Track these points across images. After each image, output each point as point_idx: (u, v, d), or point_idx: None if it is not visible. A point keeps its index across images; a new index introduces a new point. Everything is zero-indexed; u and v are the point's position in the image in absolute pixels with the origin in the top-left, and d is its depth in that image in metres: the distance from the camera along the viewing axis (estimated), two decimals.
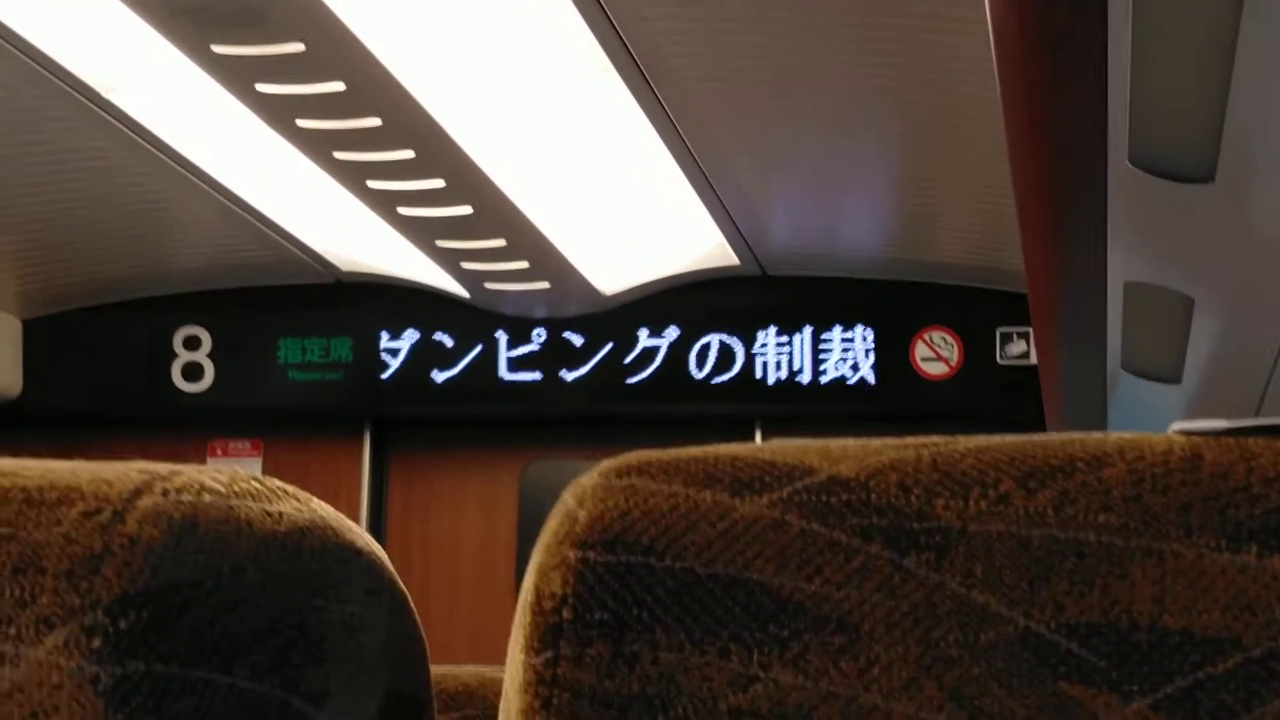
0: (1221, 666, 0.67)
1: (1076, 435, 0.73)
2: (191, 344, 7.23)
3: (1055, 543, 0.69)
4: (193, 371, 7.23)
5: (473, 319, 7.07)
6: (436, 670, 1.73)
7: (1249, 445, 0.71)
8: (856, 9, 4.28)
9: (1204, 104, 2.20)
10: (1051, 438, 0.74)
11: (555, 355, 7.08)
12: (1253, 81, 2.09)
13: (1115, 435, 0.73)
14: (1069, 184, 2.69)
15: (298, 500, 0.77)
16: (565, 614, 0.71)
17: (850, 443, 0.75)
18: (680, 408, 6.91)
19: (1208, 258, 2.85)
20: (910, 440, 0.74)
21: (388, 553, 0.81)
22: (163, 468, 0.74)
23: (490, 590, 7.12)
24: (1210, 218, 2.59)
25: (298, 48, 4.39)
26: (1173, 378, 3.52)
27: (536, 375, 7.09)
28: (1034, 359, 5.82)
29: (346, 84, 4.64)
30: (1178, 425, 0.74)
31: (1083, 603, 0.68)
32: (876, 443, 0.74)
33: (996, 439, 0.74)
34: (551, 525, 0.74)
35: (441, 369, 7.12)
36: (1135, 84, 2.19)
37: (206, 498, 0.72)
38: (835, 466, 0.72)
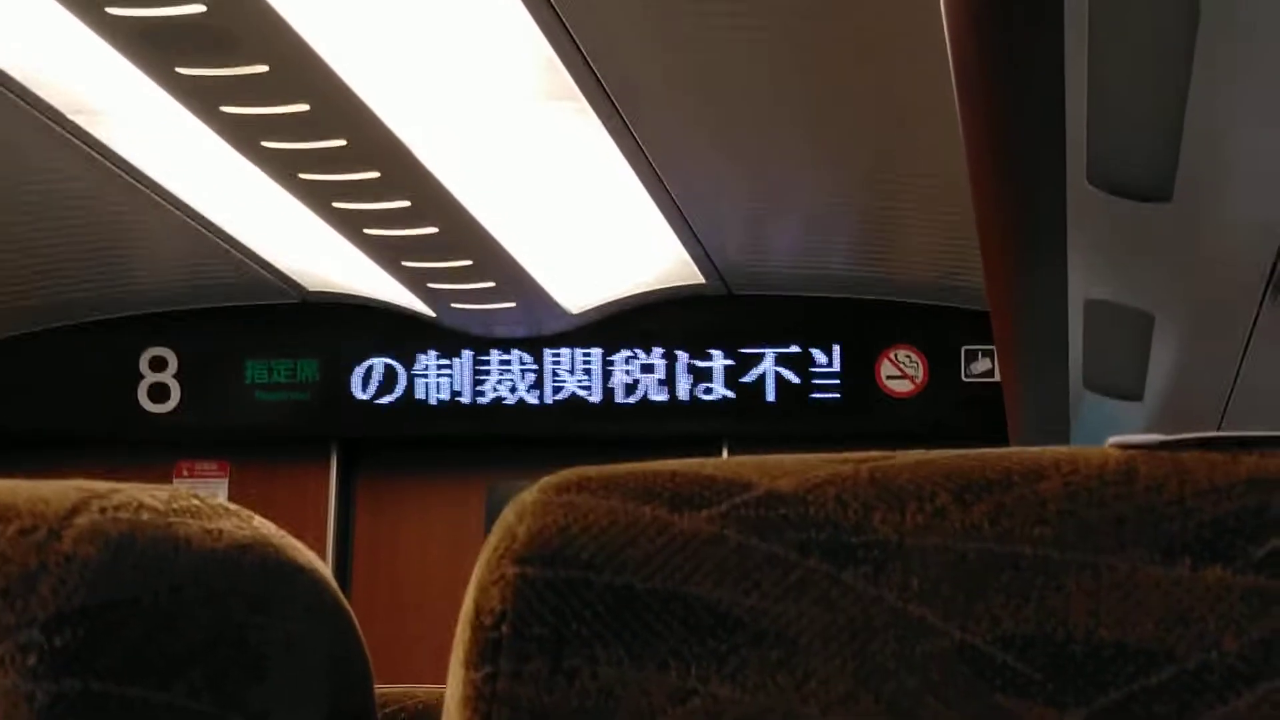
0: (1156, 678, 0.67)
1: (1015, 449, 0.74)
2: (158, 365, 7.21)
3: (991, 556, 0.70)
4: (159, 392, 7.21)
5: (439, 339, 7.06)
6: (399, 689, 1.73)
7: (1183, 459, 0.71)
8: (819, 30, 4.30)
9: (1161, 123, 2.21)
10: (990, 452, 0.74)
11: (522, 375, 7.08)
12: (1209, 101, 2.11)
13: (1052, 449, 0.74)
14: (1028, 203, 2.71)
15: (239, 518, 0.77)
16: (504, 629, 0.72)
17: (788, 458, 0.75)
18: (647, 426, 6.92)
19: (1167, 275, 2.86)
20: (849, 455, 0.75)
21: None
22: (101, 486, 0.74)
23: (457, 611, 7.07)
24: (1169, 235, 2.61)
25: (262, 69, 4.39)
26: (1134, 394, 3.54)
27: (504, 395, 7.09)
28: (999, 376, 5.84)
29: (311, 105, 4.64)
30: (1114, 440, 0.74)
31: (1018, 615, 0.69)
32: (814, 458, 0.74)
33: (935, 453, 0.74)
34: (492, 541, 0.74)
35: (408, 389, 7.12)
36: (1092, 103, 2.20)
37: (144, 515, 0.72)
38: (774, 481, 0.73)
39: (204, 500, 0.76)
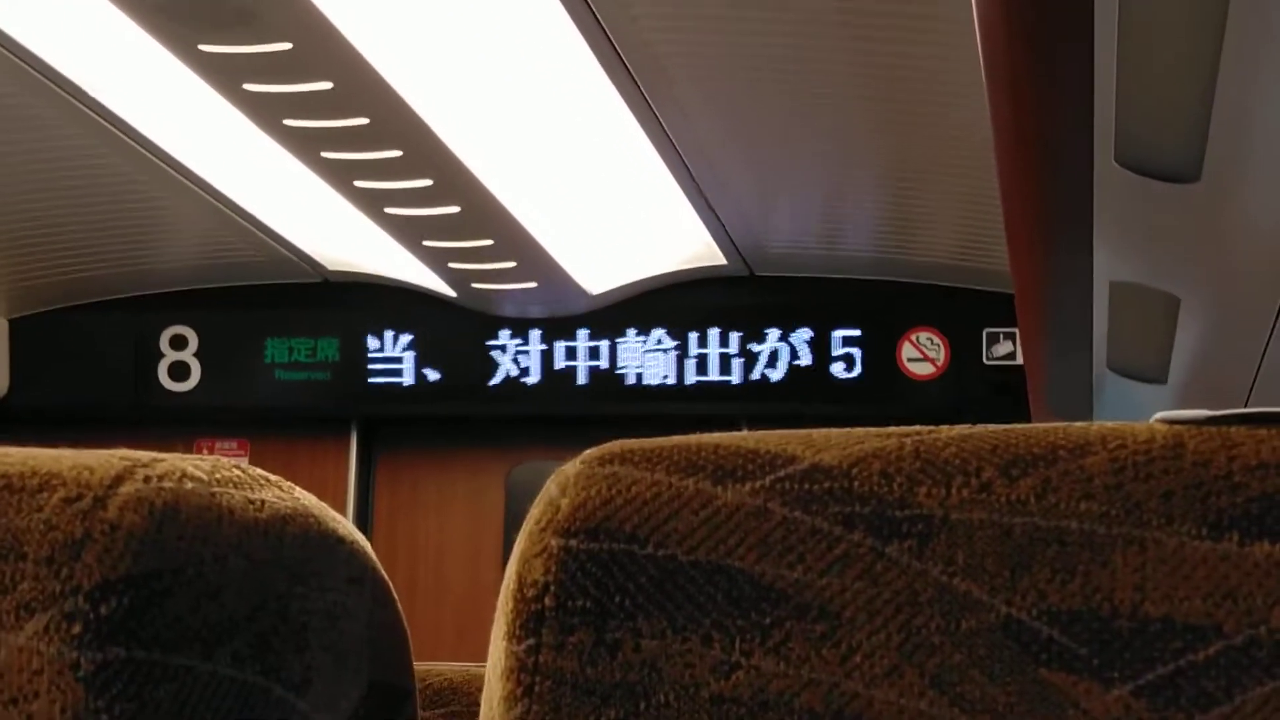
0: (1203, 654, 0.67)
1: (1059, 424, 0.73)
2: (178, 343, 7.22)
3: (1037, 530, 0.69)
4: (179, 371, 7.22)
5: (460, 319, 7.06)
6: (422, 667, 1.73)
7: (1231, 434, 0.71)
8: (843, 8, 4.29)
9: (1190, 103, 2.20)
10: (1034, 427, 0.74)
11: (542, 355, 7.08)
12: (1239, 80, 2.10)
13: (1098, 424, 0.73)
14: (1055, 183, 2.70)
15: (280, 489, 0.77)
16: (547, 601, 0.71)
17: (833, 432, 0.75)
18: (668, 407, 6.91)
19: (1193, 257, 2.85)
20: (893, 429, 0.74)
21: (376, 559, 0.82)
22: (144, 455, 0.74)
23: (476, 590, 7.12)
24: (1196, 217, 2.59)
25: (285, 47, 4.39)
26: (1159, 378, 3.53)
27: (524, 376, 7.09)
28: (1021, 359, 5.83)
29: (334, 83, 4.64)
30: (1160, 415, 0.74)
31: (1064, 590, 0.68)
32: (859, 431, 0.74)
33: (979, 428, 0.74)
34: (535, 513, 0.74)
35: (428, 369, 7.12)
36: (1121, 83, 2.19)
37: (188, 485, 0.72)
38: (818, 455, 0.73)
39: (246, 470, 0.76)
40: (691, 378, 6.96)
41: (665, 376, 6.98)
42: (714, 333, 6.96)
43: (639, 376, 7.00)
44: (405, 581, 7.08)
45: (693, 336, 6.97)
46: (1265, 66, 2.06)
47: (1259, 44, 2.00)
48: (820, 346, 6.90)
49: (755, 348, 6.94)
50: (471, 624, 7.05)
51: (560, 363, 7.07)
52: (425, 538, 7.34)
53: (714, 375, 6.95)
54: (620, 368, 7.02)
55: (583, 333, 7.04)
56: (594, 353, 7.04)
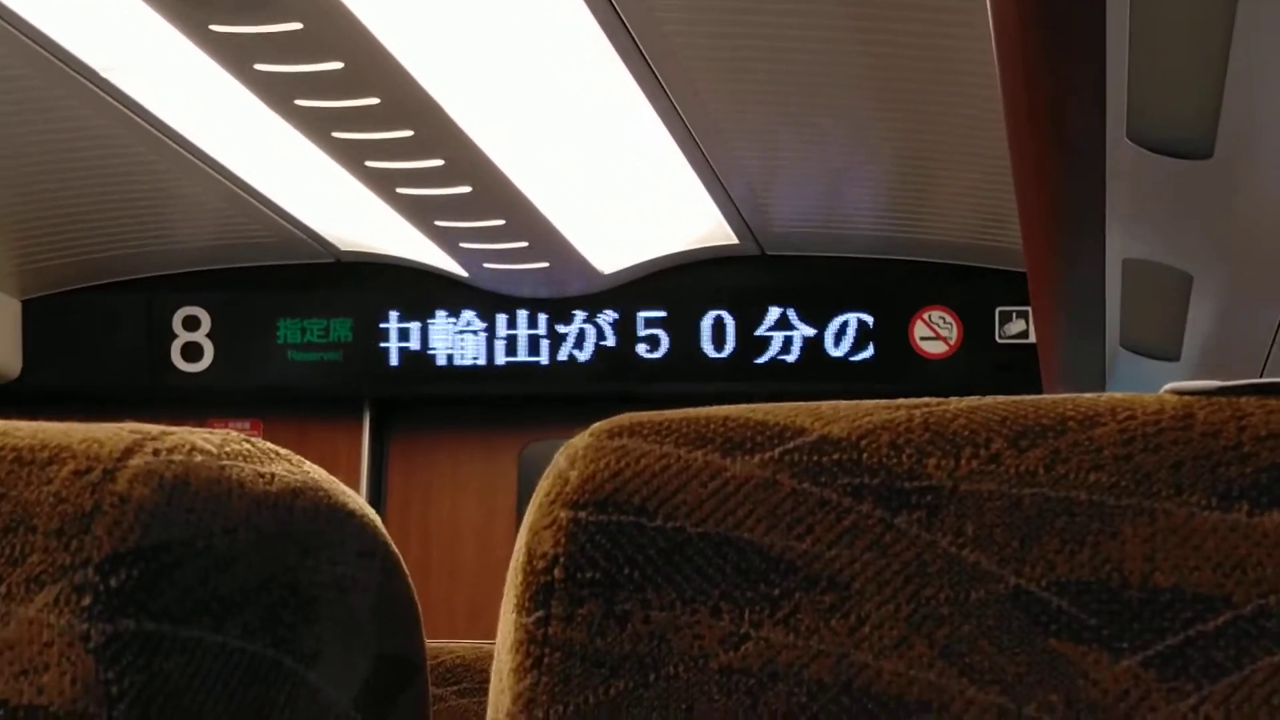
0: (1212, 624, 0.67)
1: (1068, 396, 0.73)
2: (191, 324, 7.23)
3: (1046, 501, 0.69)
4: (192, 351, 7.24)
5: (472, 298, 7.07)
6: (434, 644, 1.74)
7: (1241, 404, 0.71)
8: None
9: (1203, 79, 2.20)
10: (1043, 398, 0.74)
11: (554, 335, 7.08)
12: (1251, 57, 2.09)
13: (1107, 395, 0.73)
14: (1068, 161, 2.69)
15: (290, 462, 0.77)
16: (557, 573, 0.72)
17: (841, 404, 0.75)
18: (679, 387, 6.91)
19: (1206, 234, 2.85)
20: (902, 401, 0.74)
21: (387, 533, 0.82)
22: (154, 428, 0.74)
23: (489, 570, 7.12)
24: (1209, 194, 2.59)
25: (296, 27, 4.39)
26: (1171, 355, 3.52)
27: (536, 355, 7.09)
28: (1033, 338, 5.82)
29: (345, 63, 4.63)
30: (1170, 386, 0.74)
31: (1073, 561, 0.68)
32: (868, 403, 0.74)
33: (988, 399, 0.74)
34: (544, 486, 0.74)
35: (441, 349, 7.13)
36: (1134, 60, 2.19)
37: (198, 458, 0.72)
38: (827, 426, 0.73)
39: (255, 444, 0.76)
40: (701, 358, 6.96)
41: (678, 356, 6.98)
42: (725, 312, 6.95)
43: (650, 356, 7.00)
44: (418, 561, 7.09)
45: (703, 316, 6.97)
46: (1277, 43, 2.05)
47: (1271, 20, 1.99)
48: (832, 326, 6.89)
49: (766, 327, 6.93)
50: (484, 603, 7.07)
51: (572, 342, 7.07)
52: (438, 517, 7.35)
53: (725, 355, 6.95)
54: (631, 347, 7.02)
55: (595, 312, 7.04)
56: (605, 332, 7.04)
